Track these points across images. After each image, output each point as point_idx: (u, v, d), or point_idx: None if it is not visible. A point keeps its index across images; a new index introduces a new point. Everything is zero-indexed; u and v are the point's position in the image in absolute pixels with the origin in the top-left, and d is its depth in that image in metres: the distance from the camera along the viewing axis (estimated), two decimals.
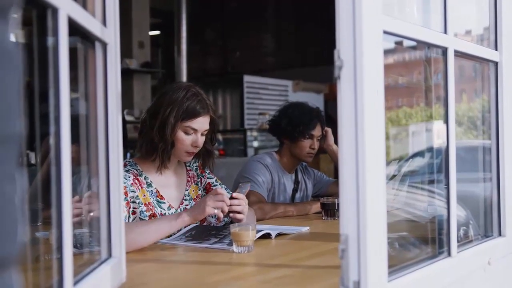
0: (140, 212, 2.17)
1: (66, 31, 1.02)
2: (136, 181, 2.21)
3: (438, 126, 1.90)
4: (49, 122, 1.00)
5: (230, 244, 1.93)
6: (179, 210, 2.30)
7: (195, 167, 2.46)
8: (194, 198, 2.39)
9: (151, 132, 2.22)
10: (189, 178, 2.41)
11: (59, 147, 1.00)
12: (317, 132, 3.03)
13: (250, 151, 7.42)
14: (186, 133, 2.23)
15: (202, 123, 2.25)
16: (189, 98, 2.21)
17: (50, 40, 1.01)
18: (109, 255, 1.37)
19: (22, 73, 0.58)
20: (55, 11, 1.00)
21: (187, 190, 2.38)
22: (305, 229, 2.37)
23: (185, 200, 2.36)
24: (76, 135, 1.22)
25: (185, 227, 2.21)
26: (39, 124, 1.02)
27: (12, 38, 0.57)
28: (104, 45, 1.36)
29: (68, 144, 1.02)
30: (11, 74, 0.54)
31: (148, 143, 2.24)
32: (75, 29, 1.11)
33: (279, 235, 2.21)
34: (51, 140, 1.00)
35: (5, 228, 0.55)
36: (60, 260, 1.00)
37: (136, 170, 2.25)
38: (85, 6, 1.24)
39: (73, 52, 1.08)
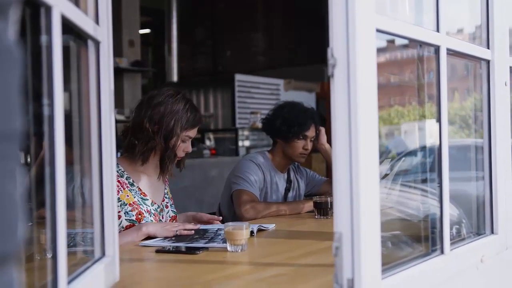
0: (125, 213, 2.20)
1: (59, 30, 1.02)
2: (117, 183, 2.22)
3: (430, 125, 1.91)
4: (43, 121, 0.99)
5: (224, 241, 1.92)
6: (161, 206, 2.39)
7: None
8: (171, 198, 2.50)
9: (153, 139, 2.26)
10: (166, 178, 2.50)
11: (53, 147, 0.99)
12: (311, 133, 3.03)
13: (242, 151, 7.41)
14: (184, 141, 2.32)
15: (196, 131, 2.38)
16: (189, 109, 2.31)
17: (43, 38, 1.00)
18: (103, 253, 1.37)
19: (21, 71, 0.58)
20: (48, 9, 0.99)
21: (166, 188, 2.48)
22: (271, 226, 2.39)
23: (166, 198, 2.46)
24: (68, 135, 1.22)
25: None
26: (32, 123, 1.01)
27: (12, 36, 0.57)
28: (97, 44, 1.35)
29: (61, 143, 1.01)
30: (11, 72, 0.54)
31: (150, 151, 2.28)
32: (67, 27, 1.10)
33: (259, 231, 2.25)
34: (45, 140, 1.00)
35: (6, 225, 0.55)
36: (54, 259, 1.00)
37: (117, 172, 2.26)
38: (77, 3, 1.23)
39: (65, 50, 1.07)
